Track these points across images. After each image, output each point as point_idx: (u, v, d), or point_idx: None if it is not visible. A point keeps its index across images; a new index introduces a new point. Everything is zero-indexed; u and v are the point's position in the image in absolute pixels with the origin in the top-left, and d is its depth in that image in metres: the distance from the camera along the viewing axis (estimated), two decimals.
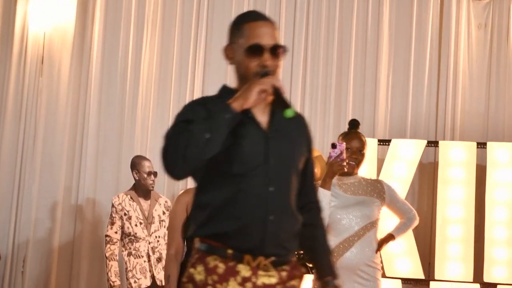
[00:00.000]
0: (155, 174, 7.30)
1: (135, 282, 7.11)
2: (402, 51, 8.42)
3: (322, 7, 8.60)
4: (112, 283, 7.11)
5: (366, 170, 7.12)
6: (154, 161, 7.25)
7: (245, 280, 3.02)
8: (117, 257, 7.18)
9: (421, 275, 7.35)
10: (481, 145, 7.59)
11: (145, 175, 7.18)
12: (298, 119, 3.27)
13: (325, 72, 8.45)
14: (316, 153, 7.48)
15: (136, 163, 7.28)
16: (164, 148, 2.99)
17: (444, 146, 7.66)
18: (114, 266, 7.12)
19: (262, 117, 3.17)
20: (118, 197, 7.25)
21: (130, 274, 7.09)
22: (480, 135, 8.06)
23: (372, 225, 5.54)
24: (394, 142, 7.73)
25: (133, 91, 8.51)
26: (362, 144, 5.59)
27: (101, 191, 8.33)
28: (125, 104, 8.61)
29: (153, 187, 7.32)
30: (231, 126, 2.98)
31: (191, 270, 3.09)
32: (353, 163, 5.52)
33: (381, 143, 7.76)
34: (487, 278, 7.29)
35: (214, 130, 2.95)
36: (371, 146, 7.29)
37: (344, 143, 5.41)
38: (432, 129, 8.34)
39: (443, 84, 8.31)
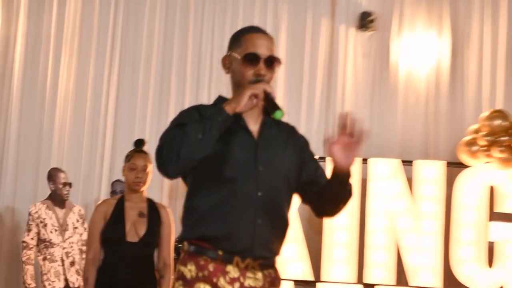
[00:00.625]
0: (69, 185, 7.44)
1: (49, 285, 7.22)
2: (296, 76, 8.70)
3: (226, 35, 8.60)
4: (27, 286, 7.21)
5: None
6: (69, 173, 7.62)
7: (234, 280, 3.03)
8: (33, 262, 7.26)
9: (310, 277, 7.64)
10: (365, 161, 7.84)
11: (60, 186, 7.33)
12: (288, 128, 3.29)
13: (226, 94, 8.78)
14: None
15: (52, 175, 7.42)
16: (159, 148, 3.01)
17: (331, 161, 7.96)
18: (30, 270, 7.19)
19: (254, 125, 3.20)
20: (35, 206, 7.35)
21: (45, 277, 7.21)
22: (364, 151, 8.23)
23: None
24: None
25: (51, 108, 8.62)
26: None
27: (20, 200, 8.39)
28: (44, 120, 8.63)
29: (67, 197, 7.43)
30: (223, 129, 3.02)
31: (181, 267, 3.08)
32: None
33: None
34: (367, 279, 7.66)
35: (206, 131, 2.98)
36: None
37: None
38: (322, 146, 8.50)
39: (332, 104, 8.65)
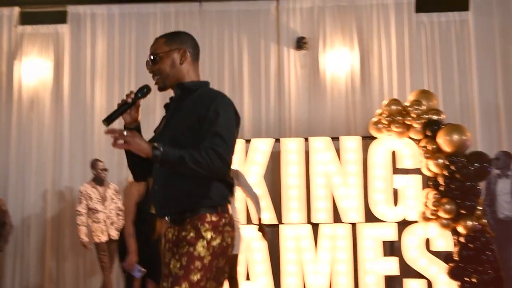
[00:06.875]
0: (106, 170, 8.17)
1: (97, 238, 8.00)
2: (256, 84, 9.35)
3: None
4: (82, 240, 7.94)
5: None
6: (106, 161, 8.35)
7: (165, 235, 3.12)
8: (85, 224, 7.98)
9: (275, 221, 8.27)
10: (306, 140, 8.37)
11: (100, 171, 8.15)
12: (199, 99, 3.07)
13: None
14: None
15: (93, 164, 8.23)
16: None
17: (284, 141, 8.48)
18: (83, 230, 7.93)
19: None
20: (83, 186, 8.14)
21: (93, 234, 7.99)
22: (305, 132, 8.91)
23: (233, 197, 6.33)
24: (253, 141, 8.52)
25: (91, 116, 9.16)
26: None
27: (75, 181, 9.08)
28: (87, 125, 9.21)
29: (105, 178, 8.20)
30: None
31: None
32: None
33: (247, 142, 8.39)
34: (313, 220, 8.23)
35: None
36: (239, 144, 8.10)
37: None
38: (277, 130, 9.24)
39: (282, 100, 9.30)
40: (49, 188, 9.31)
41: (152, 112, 9.12)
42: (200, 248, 2.92)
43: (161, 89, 3.17)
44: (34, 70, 9.47)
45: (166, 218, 3.08)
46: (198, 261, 2.91)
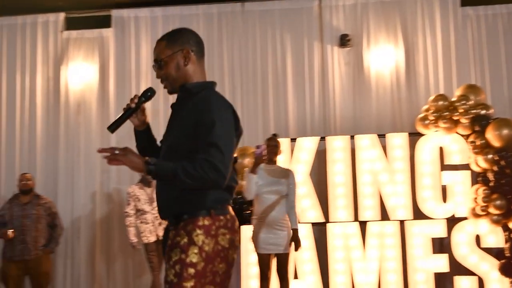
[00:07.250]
0: None
1: (146, 239, 8.05)
2: (300, 82, 9.26)
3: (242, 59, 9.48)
4: (132, 241, 8.04)
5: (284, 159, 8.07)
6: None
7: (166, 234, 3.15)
8: (134, 225, 8.05)
9: (322, 220, 8.27)
10: (352, 137, 8.38)
11: None
12: (198, 101, 3.03)
13: None
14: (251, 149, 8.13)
15: None
16: None
17: (330, 139, 8.49)
18: (132, 230, 8.01)
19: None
20: (131, 187, 8.20)
21: (142, 235, 8.05)
22: (351, 130, 8.90)
23: (284, 196, 6.66)
24: (299, 139, 8.50)
25: None
26: (278, 144, 6.79)
27: (122, 183, 9.20)
28: (131, 127, 9.22)
29: (152, 179, 8.14)
30: (137, 136, 3.28)
31: None
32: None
33: (292, 141, 8.47)
34: (361, 218, 8.24)
35: None
36: (285, 143, 8.17)
37: (265, 145, 6.55)
38: (322, 128, 9.21)
39: (327, 98, 9.31)
40: (97, 190, 9.45)
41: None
42: (192, 254, 2.93)
43: (171, 92, 3.17)
44: (80, 74, 9.62)
45: (167, 221, 3.12)
46: (191, 268, 2.93)
